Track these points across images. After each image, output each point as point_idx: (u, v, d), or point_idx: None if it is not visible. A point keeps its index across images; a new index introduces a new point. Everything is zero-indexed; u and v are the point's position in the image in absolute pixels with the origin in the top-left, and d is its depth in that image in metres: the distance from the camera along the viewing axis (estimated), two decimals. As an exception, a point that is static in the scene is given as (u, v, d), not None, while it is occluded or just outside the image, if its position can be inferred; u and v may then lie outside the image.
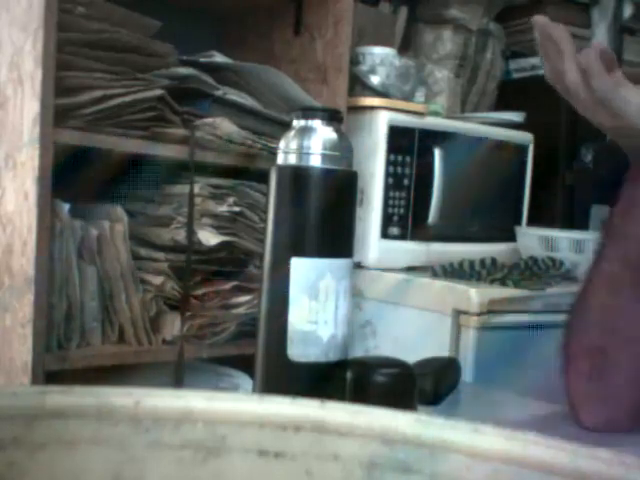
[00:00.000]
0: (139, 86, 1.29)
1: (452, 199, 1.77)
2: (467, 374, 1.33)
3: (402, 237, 1.70)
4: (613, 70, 0.72)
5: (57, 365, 1.24)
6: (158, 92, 1.31)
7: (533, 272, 1.68)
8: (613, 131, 0.77)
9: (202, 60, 1.47)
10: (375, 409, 0.30)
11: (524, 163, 1.98)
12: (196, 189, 1.37)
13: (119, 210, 1.35)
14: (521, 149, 1.97)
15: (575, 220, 2.06)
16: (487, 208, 1.92)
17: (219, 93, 1.43)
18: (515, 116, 1.93)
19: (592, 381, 0.79)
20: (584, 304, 0.81)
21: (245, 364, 1.43)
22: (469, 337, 1.46)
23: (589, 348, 0.79)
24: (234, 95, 1.45)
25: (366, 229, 1.66)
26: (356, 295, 1.61)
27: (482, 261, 1.69)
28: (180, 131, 1.35)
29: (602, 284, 0.80)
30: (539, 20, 0.75)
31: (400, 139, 1.68)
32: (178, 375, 1.35)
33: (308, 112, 0.63)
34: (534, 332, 1.50)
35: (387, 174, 1.66)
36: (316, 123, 0.62)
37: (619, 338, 0.78)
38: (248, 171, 1.44)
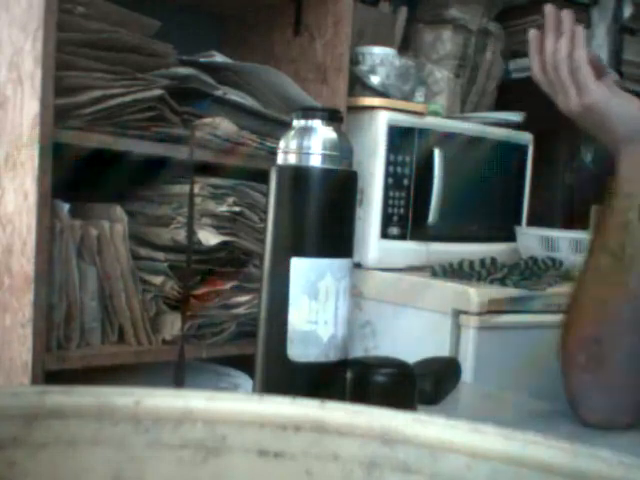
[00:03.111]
0: (139, 86, 1.29)
1: (452, 199, 1.77)
2: (467, 374, 1.33)
3: (402, 237, 1.70)
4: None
5: (57, 365, 1.24)
6: (158, 92, 1.31)
7: (533, 272, 1.68)
8: (581, 115, 0.81)
9: (202, 60, 1.46)
10: (375, 409, 0.30)
11: (524, 163, 1.98)
12: (196, 189, 1.37)
13: (119, 210, 1.34)
14: (521, 149, 1.97)
15: (575, 220, 2.06)
16: (487, 208, 1.92)
17: (219, 93, 1.43)
18: (515, 116, 1.93)
19: (589, 372, 0.80)
20: (577, 299, 0.83)
21: (245, 364, 1.43)
22: (469, 337, 1.46)
23: (585, 339, 0.80)
24: (234, 95, 1.45)
25: (366, 229, 1.66)
26: (356, 295, 1.61)
27: (482, 261, 1.69)
28: (180, 131, 1.35)
29: (590, 276, 0.82)
30: (548, 7, 0.82)
31: (400, 139, 1.68)
32: (178, 375, 1.35)
33: (308, 112, 0.63)
34: (534, 332, 1.49)
35: (387, 174, 1.66)
36: (316, 123, 0.62)
37: (613, 327, 0.79)
38: (248, 171, 1.44)
